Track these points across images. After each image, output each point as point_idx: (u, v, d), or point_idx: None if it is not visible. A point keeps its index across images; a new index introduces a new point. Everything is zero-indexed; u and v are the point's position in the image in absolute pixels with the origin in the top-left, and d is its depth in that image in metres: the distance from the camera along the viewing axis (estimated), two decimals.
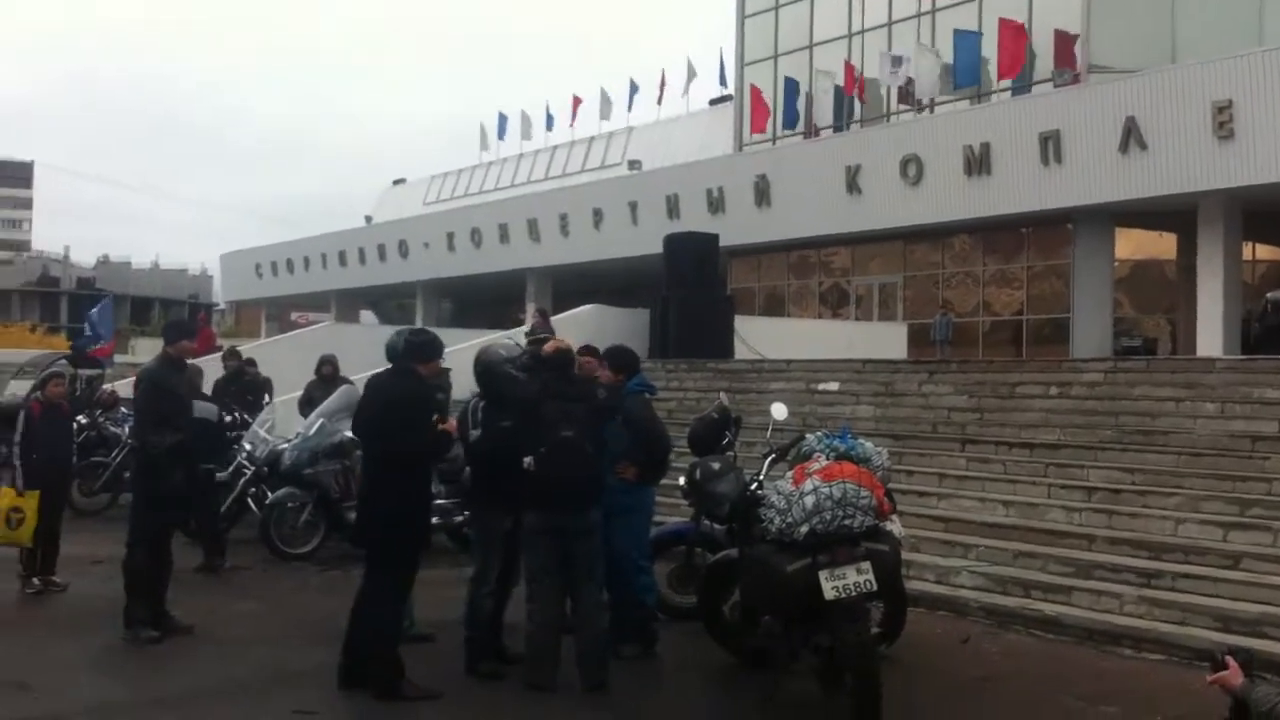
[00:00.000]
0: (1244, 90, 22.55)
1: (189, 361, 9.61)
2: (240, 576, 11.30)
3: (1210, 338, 24.35)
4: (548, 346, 7.94)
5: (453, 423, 7.81)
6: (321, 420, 12.27)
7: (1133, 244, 28.34)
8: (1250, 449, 11.47)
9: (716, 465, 7.88)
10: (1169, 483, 11.21)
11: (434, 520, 11.68)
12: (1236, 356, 19.08)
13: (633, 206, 35.87)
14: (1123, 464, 11.91)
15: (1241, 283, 25.96)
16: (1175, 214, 25.76)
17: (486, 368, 8.03)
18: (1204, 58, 24.19)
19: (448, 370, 15.58)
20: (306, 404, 14.15)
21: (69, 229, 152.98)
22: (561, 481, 7.31)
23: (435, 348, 7.56)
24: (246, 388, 16.14)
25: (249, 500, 12.85)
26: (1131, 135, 24.39)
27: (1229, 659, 4.91)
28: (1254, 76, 22.47)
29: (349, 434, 11.78)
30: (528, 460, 7.32)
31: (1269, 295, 24.91)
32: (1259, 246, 27.72)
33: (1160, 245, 28.18)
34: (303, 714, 6.94)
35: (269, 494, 12.48)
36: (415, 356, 7.43)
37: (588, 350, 8.67)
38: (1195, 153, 23.40)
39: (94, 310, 24.57)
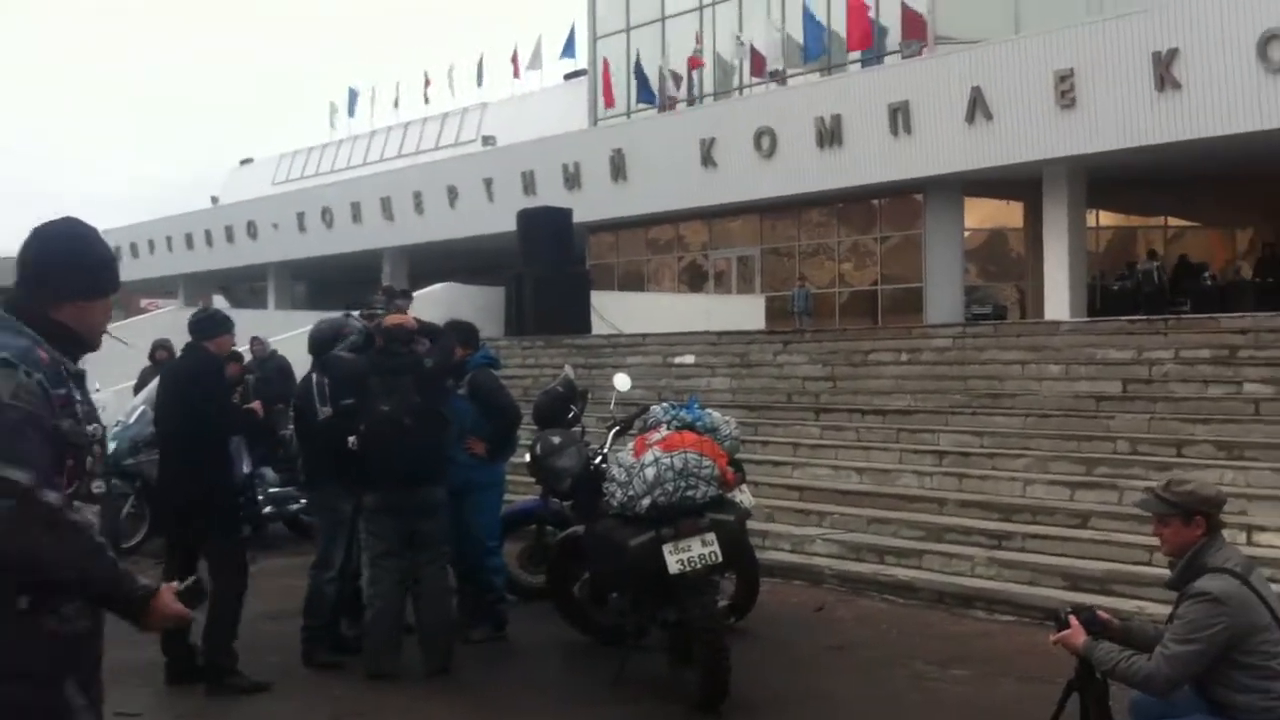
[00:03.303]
0: (1085, 59, 22.98)
1: None
2: None
3: (1057, 303, 24.85)
4: (389, 320, 7.66)
5: (258, 404, 7.59)
6: (143, 408, 11.73)
7: (982, 213, 28.80)
8: (1095, 409, 11.65)
9: (557, 439, 7.67)
10: (1017, 445, 11.34)
11: (269, 510, 11.33)
12: (1080, 319, 19.47)
13: (488, 183, 35.36)
14: (972, 427, 12.01)
15: (1086, 249, 26.54)
16: (1022, 183, 26.20)
17: (321, 341, 7.82)
18: (1046, 28, 24.58)
19: (274, 353, 15.25)
20: (140, 390, 13.60)
21: None
22: (382, 458, 7.03)
23: (217, 322, 7.37)
24: None
25: None
26: (977, 105, 24.70)
27: (1072, 618, 4.87)
28: (1094, 46, 22.91)
29: None
30: (351, 440, 7.06)
31: (1140, 266, 25.58)
32: (1102, 213, 28.36)
33: (1008, 214, 28.68)
34: (124, 715, 6.55)
35: None
36: (199, 334, 7.26)
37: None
38: (1039, 122, 23.79)
39: None
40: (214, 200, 52.82)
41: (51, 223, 3.19)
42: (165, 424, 7.44)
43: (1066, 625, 4.86)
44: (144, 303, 53.51)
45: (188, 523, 7.06)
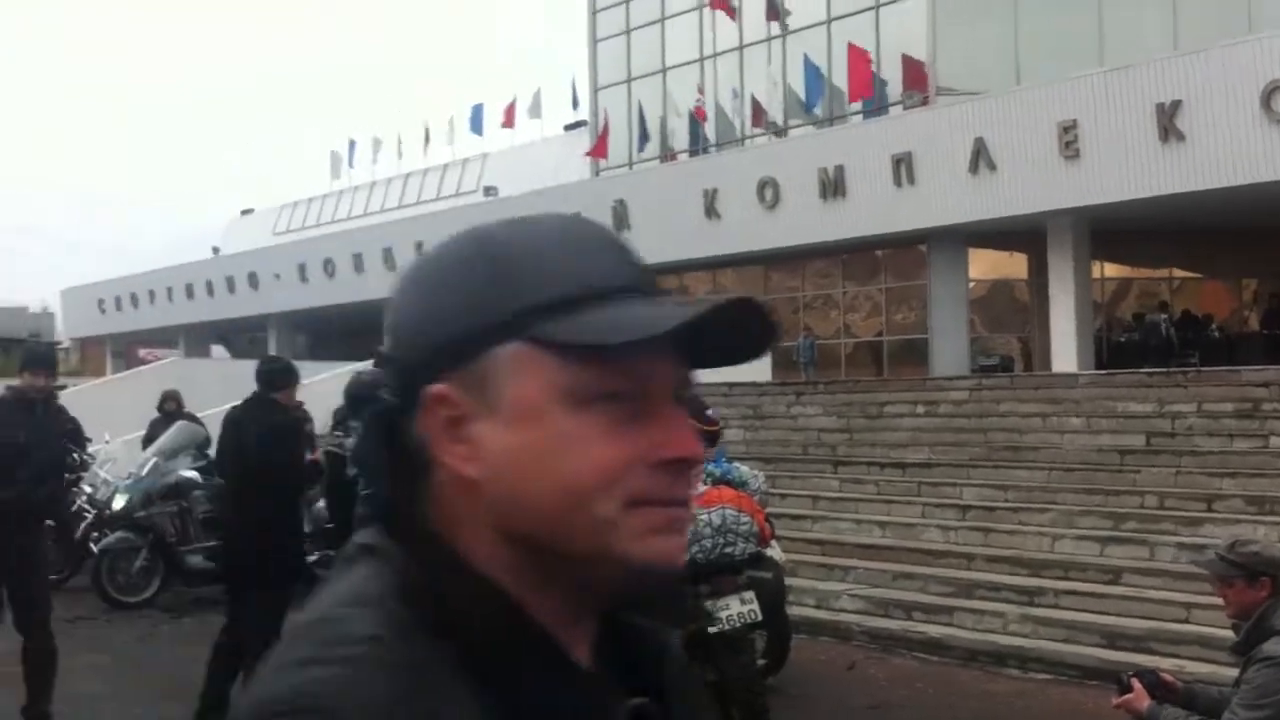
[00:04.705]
0: (1088, 111, 22.98)
1: None
2: (85, 627, 10.56)
3: (1064, 355, 24.74)
4: None
5: (318, 455, 7.50)
6: (155, 459, 11.59)
7: (986, 264, 28.73)
8: (1119, 463, 11.53)
9: None
10: (1041, 499, 11.20)
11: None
12: (1099, 371, 19.35)
13: None
14: (994, 481, 11.87)
15: (1092, 301, 26.49)
16: (1026, 234, 26.16)
17: (359, 393, 7.55)
18: (1047, 80, 24.64)
19: (300, 404, 15.00)
20: (149, 442, 13.41)
21: None
22: None
23: (290, 373, 7.29)
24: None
25: (92, 545, 12.05)
26: (980, 156, 24.67)
27: (1134, 681, 4.74)
28: (1097, 97, 22.93)
29: (186, 473, 11.18)
30: None
31: (1149, 318, 25.56)
32: (1107, 265, 28.33)
33: (1012, 265, 28.62)
34: None
35: None
36: (273, 385, 7.11)
37: None
38: (1043, 173, 23.74)
39: None
40: (215, 250, 52.82)
41: None
42: (238, 476, 7.23)
43: (1129, 689, 4.74)
44: (143, 353, 53.40)
45: (254, 574, 6.95)
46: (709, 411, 12.37)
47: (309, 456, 7.50)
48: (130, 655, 9.53)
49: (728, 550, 6.38)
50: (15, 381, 7.07)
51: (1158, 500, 10.48)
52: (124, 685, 8.40)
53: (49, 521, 8.24)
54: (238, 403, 7.57)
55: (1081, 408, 13.05)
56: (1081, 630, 8.62)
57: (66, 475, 12.42)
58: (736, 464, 7.70)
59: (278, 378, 7.14)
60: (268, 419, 7.00)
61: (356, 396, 7.47)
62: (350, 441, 7.51)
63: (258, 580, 6.90)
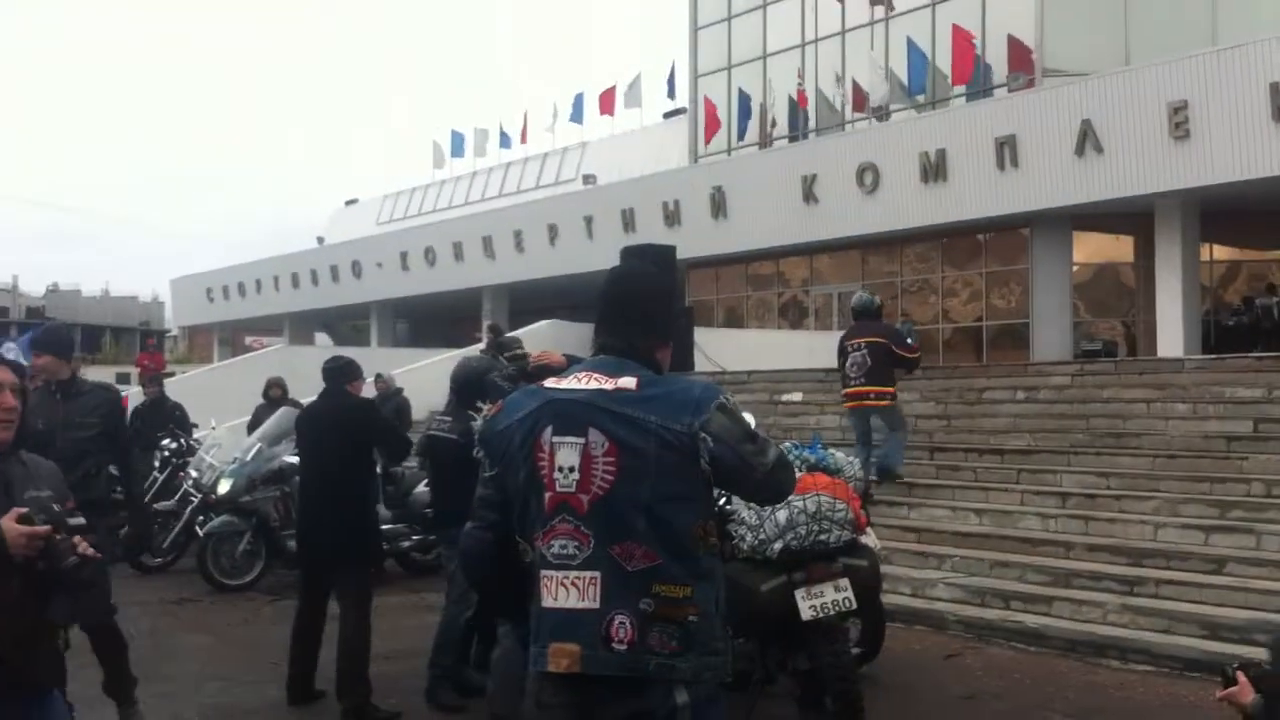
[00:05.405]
0: (1199, 90, 22.46)
1: None
2: (189, 609, 10.85)
3: (1171, 339, 24.23)
4: (538, 356, 7.53)
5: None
6: (259, 445, 11.82)
7: (1091, 247, 28.23)
8: (1226, 449, 11.26)
9: None
10: (1145, 486, 10.99)
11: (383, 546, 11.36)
12: (1206, 356, 18.91)
13: (588, 221, 35.51)
14: (1096, 468, 11.65)
15: (1200, 284, 25.89)
16: (1133, 216, 25.65)
17: (468, 378, 7.59)
18: (1158, 59, 24.10)
19: (400, 390, 15.23)
20: (254, 428, 13.70)
21: (17, 258, 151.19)
22: None
23: (357, 367, 7.76)
24: (168, 416, 15.10)
25: (197, 529, 12.35)
26: (1087, 138, 24.24)
27: (1240, 674, 4.63)
28: (1208, 76, 22.39)
29: (288, 458, 11.38)
30: None
31: (1259, 300, 24.98)
32: (1216, 247, 27.67)
33: (1118, 248, 28.08)
34: None
35: None
36: (343, 378, 7.57)
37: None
38: (1152, 154, 23.27)
39: (21, 338, 23.16)
40: (319, 240, 53.73)
41: (642, 265, 3.47)
42: (317, 466, 7.50)
43: (1233, 681, 4.62)
44: (249, 340, 54.57)
45: (329, 559, 7.17)
46: (909, 340, 12.44)
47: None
48: (233, 636, 9.76)
49: (822, 537, 6.34)
50: (125, 369, 7.30)
51: (1265, 488, 10.21)
52: (227, 666, 8.61)
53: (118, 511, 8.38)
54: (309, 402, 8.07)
55: (1188, 393, 12.75)
56: (1182, 621, 8.43)
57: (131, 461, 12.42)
58: (832, 450, 7.64)
59: (344, 373, 7.58)
60: (341, 410, 7.46)
61: (465, 382, 7.53)
62: (478, 424, 7.56)
63: (338, 569, 7.15)
